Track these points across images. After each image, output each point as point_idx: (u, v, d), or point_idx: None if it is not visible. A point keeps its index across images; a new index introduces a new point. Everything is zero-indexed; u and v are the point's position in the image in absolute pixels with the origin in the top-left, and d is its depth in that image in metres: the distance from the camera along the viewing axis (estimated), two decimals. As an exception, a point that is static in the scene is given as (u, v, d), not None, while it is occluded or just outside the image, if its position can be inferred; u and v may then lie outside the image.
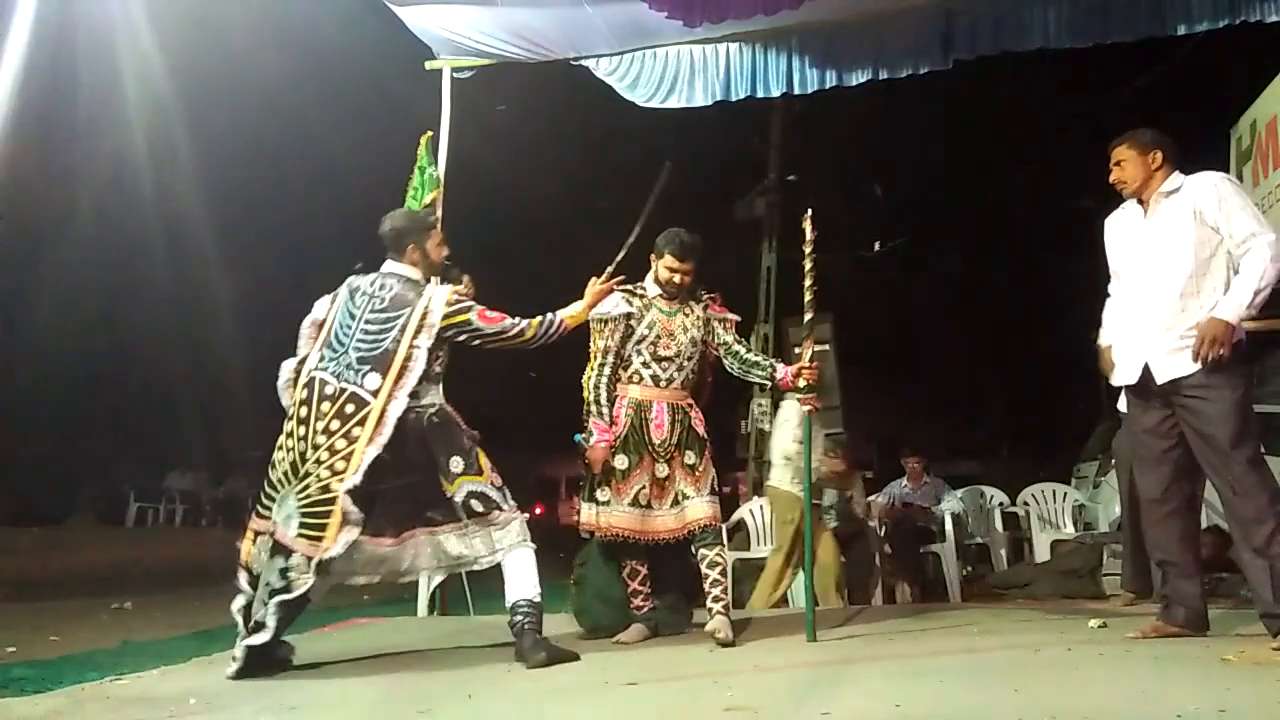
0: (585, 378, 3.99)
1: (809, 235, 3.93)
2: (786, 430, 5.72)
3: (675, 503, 3.94)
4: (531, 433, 14.17)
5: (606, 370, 3.98)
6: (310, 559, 3.33)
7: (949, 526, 6.60)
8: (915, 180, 13.26)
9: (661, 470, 3.96)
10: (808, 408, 4.03)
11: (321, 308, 3.70)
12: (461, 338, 3.61)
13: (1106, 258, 3.66)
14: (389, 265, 3.73)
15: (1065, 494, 7.34)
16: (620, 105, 5.77)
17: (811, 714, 2.44)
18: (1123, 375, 3.50)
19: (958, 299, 16.13)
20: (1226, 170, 6.58)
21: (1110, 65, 8.29)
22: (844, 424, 9.09)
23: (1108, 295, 3.70)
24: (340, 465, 3.38)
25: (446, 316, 3.55)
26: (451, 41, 5.64)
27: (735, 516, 6.54)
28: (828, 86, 5.50)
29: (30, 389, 14.68)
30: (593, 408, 3.99)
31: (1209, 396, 3.24)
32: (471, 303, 3.64)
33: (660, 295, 4.07)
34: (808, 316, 4.00)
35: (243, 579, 3.48)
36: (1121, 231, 3.60)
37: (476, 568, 3.62)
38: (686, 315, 4.09)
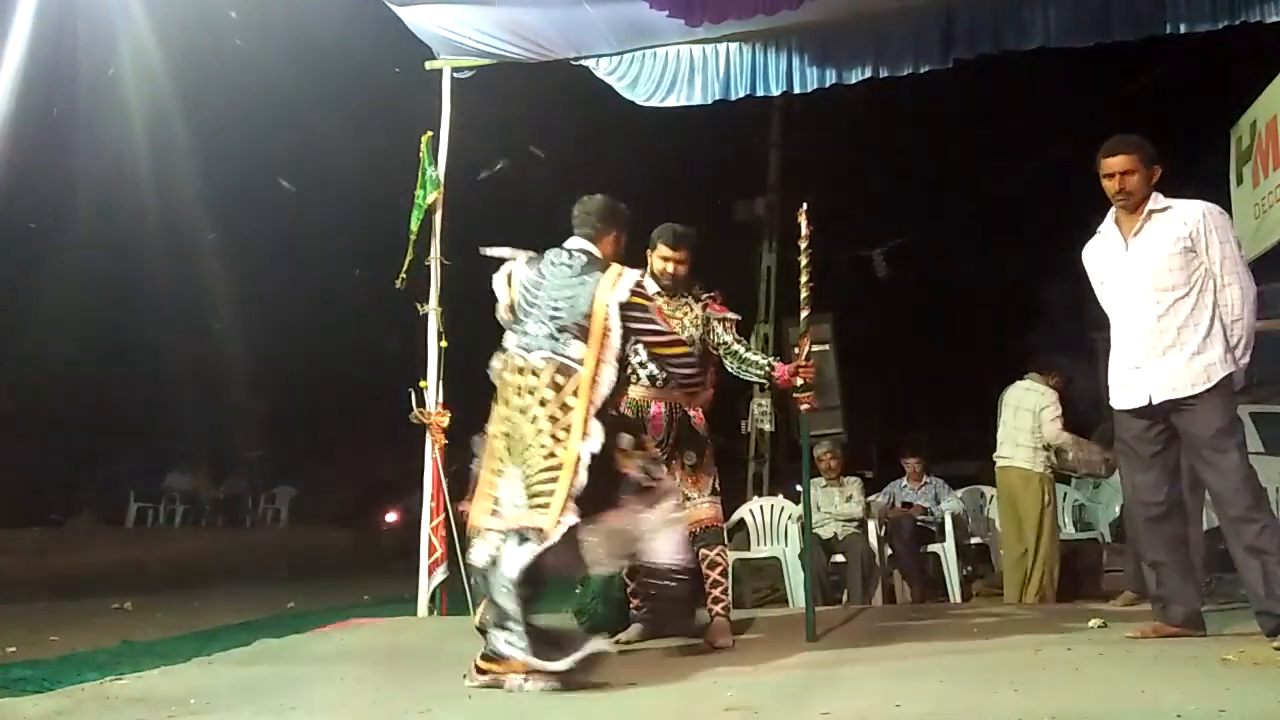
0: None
1: (805, 230, 3.92)
2: (1048, 414, 5.78)
3: (676, 503, 3.91)
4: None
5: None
6: (541, 532, 3.14)
7: (949, 526, 6.60)
8: (915, 179, 13.27)
9: (660, 472, 3.93)
10: (805, 406, 4.00)
11: (502, 290, 3.56)
12: (635, 325, 3.40)
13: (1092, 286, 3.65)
14: (576, 241, 3.59)
15: (1065, 494, 7.33)
16: (620, 105, 5.77)
17: (811, 714, 2.44)
18: (1124, 400, 3.50)
19: (958, 299, 16.12)
20: (1226, 170, 6.62)
21: (1110, 65, 8.30)
22: (844, 424, 9.11)
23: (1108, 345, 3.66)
24: (561, 435, 3.24)
25: (634, 293, 3.38)
26: (451, 41, 5.64)
27: (735, 516, 6.54)
28: (827, 85, 5.50)
29: (31, 389, 14.67)
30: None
31: (1197, 403, 3.30)
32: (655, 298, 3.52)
33: (658, 292, 4.01)
34: (804, 313, 3.96)
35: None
36: (1104, 256, 3.59)
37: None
38: (685, 314, 4.04)
